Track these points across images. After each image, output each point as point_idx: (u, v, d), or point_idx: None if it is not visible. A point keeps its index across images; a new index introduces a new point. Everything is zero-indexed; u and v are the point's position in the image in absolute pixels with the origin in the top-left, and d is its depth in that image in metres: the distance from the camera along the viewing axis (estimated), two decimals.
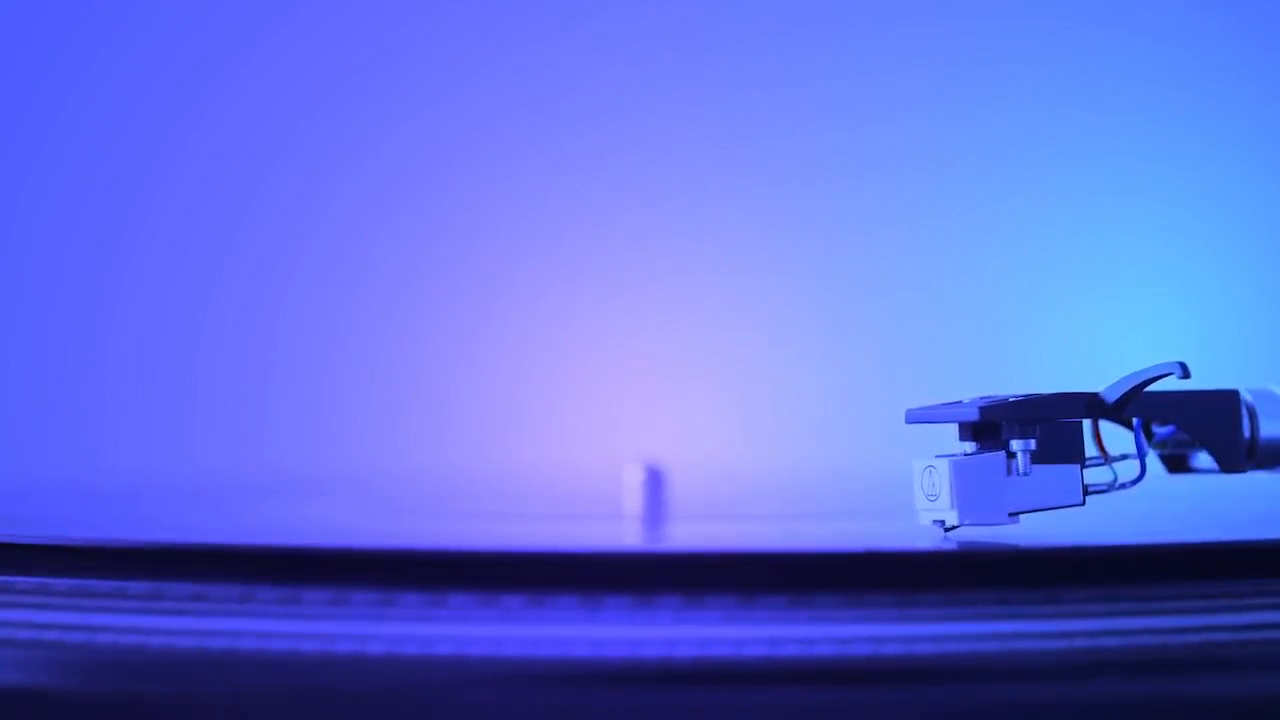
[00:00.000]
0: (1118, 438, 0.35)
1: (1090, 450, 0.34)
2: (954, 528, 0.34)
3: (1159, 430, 0.36)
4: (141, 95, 0.81)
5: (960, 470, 0.34)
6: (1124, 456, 0.35)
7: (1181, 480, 0.38)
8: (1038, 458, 0.34)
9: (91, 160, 0.81)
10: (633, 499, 0.47)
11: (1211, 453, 0.35)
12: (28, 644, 0.28)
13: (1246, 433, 0.35)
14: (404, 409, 0.81)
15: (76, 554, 0.31)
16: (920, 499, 0.34)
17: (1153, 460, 0.36)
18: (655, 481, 0.48)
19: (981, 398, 0.34)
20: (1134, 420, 0.35)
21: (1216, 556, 0.31)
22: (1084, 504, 0.34)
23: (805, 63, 0.81)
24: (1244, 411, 0.35)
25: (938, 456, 0.34)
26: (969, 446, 0.34)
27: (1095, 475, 0.34)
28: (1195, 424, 0.35)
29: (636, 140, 0.81)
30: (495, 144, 0.81)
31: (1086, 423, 0.34)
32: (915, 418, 0.35)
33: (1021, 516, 0.34)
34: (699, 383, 0.80)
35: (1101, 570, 0.30)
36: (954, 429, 0.35)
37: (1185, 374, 0.34)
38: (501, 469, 0.78)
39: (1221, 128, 0.79)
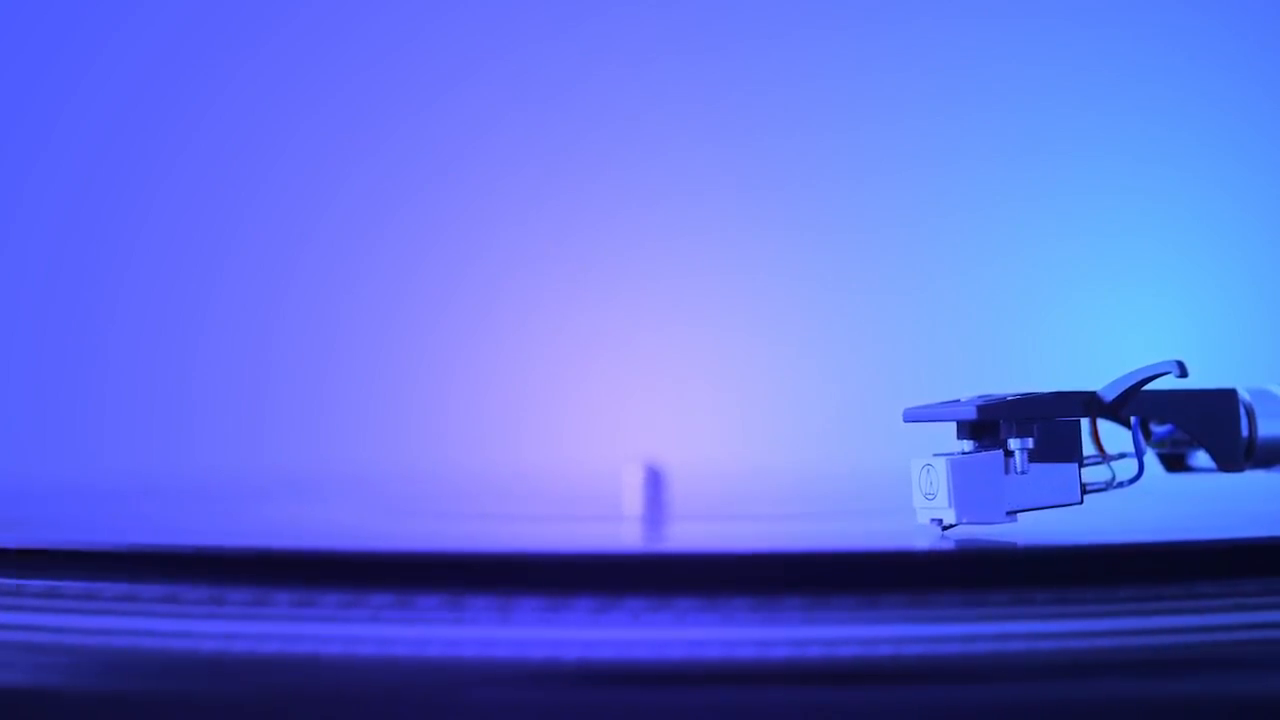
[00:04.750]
0: (1116, 436, 0.35)
1: (1088, 449, 0.34)
2: (951, 526, 0.34)
3: (1157, 429, 0.36)
4: (141, 95, 0.81)
5: (958, 469, 0.34)
6: (1122, 455, 0.35)
7: (1179, 479, 0.38)
8: (1035, 456, 0.34)
9: (91, 160, 0.81)
10: (633, 499, 0.47)
11: (1209, 452, 0.35)
12: (26, 646, 0.28)
13: (1244, 432, 0.35)
14: (404, 409, 0.81)
15: (76, 556, 0.31)
16: (918, 498, 0.34)
17: (1151, 459, 0.36)
18: (655, 481, 0.48)
19: (979, 396, 0.34)
20: (1132, 419, 0.35)
21: (1215, 555, 0.31)
22: (1082, 503, 0.34)
23: (805, 63, 0.81)
24: (1242, 410, 0.35)
25: (935, 455, 0.34)
26: (967, 445, 0.34)
27: (1093, 474, 0.34)
28: (1193, 423, 0.35)
29: (637, 140, 0.81)
30: (495, 144, 0.81)
31: (1084, 421, 0.34)
32: (913, 416, 0.35)
33: (1019, 515, 0.34)
34: (699, 383, 0.80)
35: (1099, 569, 0.30)
36: (952, 428, 0.35)
37: (1183, 373, 0.34)
38: (501, 469, 0.78)
39: (1221, 128, 0.79)
